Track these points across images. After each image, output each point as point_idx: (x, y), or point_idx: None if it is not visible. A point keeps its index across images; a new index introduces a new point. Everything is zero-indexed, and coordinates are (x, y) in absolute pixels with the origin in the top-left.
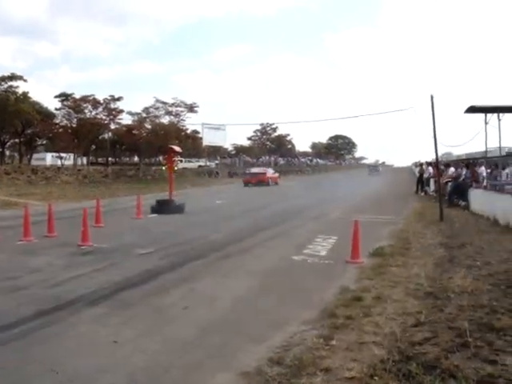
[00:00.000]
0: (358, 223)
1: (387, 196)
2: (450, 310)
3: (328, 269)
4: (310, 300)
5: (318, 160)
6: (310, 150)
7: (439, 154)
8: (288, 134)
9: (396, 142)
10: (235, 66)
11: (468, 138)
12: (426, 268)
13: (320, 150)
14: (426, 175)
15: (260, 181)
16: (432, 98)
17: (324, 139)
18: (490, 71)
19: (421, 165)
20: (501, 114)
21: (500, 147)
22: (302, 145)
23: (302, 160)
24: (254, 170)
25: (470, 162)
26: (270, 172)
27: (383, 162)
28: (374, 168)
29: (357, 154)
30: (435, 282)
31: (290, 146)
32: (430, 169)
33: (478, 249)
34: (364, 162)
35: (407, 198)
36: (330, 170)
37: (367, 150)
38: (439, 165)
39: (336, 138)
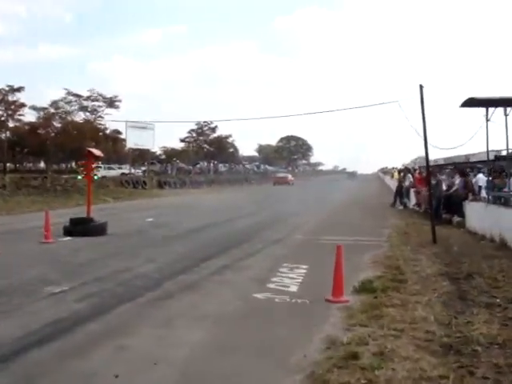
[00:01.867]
0: (341, 249)
1: (360, 210)
2: (484, 372)
3: (304, 311)
4: (289, 359)
5: (267, 166)
6: (256, 154)
7: (411, 158)
8: (230, 136)
9: (359, 145)
10: (165, 53)
11: (460, 138)
12: (432, 309)
13: (268, 155)
14: (406, 184)
15: (285, 182)
16: (421, 88)
17: (273, 141)
18: (483, 64)
19: (400, 172)
20: (508, 108)
21: (507, 149)
22: (247, 148)
23: (248, 166)
24: (280, 174)
25: (463, 169)
26: (289, 176)
27: (344, 169)
28: (352, 174)
29: (312, 159)
30: (451, 329)
31: (232, 150)
32: (410, 177)
33: (492, 280)
34: (321, 168)
35: (384, 212)
36: None
37: (324, 155)
38: (420, 172)
39: (288, 139)
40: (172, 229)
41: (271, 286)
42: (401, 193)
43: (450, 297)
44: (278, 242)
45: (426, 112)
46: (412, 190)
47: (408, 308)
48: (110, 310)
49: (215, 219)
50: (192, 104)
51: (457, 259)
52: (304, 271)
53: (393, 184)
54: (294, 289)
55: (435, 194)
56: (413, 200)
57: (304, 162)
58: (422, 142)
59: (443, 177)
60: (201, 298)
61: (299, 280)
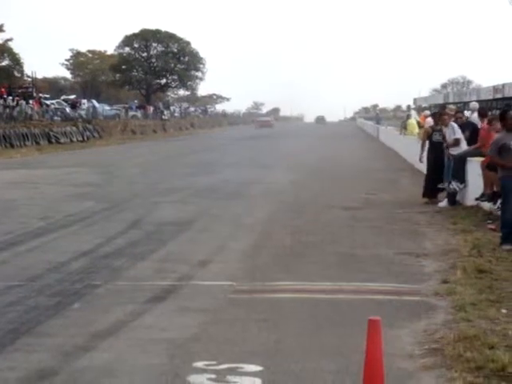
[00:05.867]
0: (380, 341)
1: (353, 210)
2: None
3: None
4: None
5: (96, 103)
6: (67, 74)
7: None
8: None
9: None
10: None
11: None
12: None
13: (96, 76)
14: (459, 147)
15: (268, 125)
16: None
17: (110, 47)
18: None
19: (439, 115)
20: None
21: None
22: (47, 60)
23: (51, 104)
24: (263, 118)
25: None
26: (271, 120)
27: (272, 112)
28: (322, 120)
29: (203, 88)
30: None
31: (8, 64)
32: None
33: None
34: (222, 109)
35: (408, 214)
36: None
37: (229, 85)
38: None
39: (143, 39)
40: None
41: None
42: (438, 167)
43: None
44: (162, 300)
45: None
46: (477, 163)
47: None
48: None
49: None
50: None
51: None
52: None
53: (404, 147)
54: None
55: None
56: (474, 183)
57: (183, 93)
58: None
59: None
60: None
61: None
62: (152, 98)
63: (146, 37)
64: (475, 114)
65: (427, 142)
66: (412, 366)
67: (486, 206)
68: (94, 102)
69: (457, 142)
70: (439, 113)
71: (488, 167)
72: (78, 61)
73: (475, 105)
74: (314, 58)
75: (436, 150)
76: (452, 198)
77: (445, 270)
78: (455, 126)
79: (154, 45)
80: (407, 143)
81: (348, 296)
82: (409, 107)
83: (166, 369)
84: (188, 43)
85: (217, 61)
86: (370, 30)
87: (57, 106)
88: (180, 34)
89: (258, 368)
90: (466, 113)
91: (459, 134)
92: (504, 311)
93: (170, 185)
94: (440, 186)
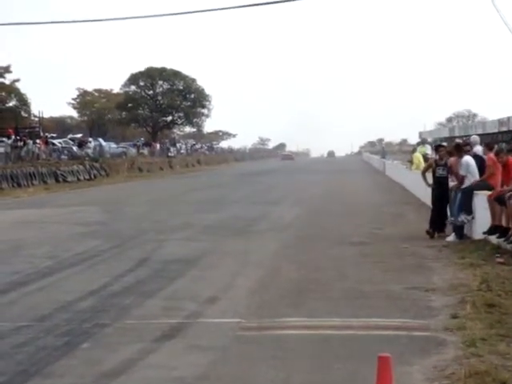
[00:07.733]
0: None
1: (358, 246)
2: None
3: None
4: None
5: (102, 141)
6: (73, 113)
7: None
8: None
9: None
10: None
11: None
12: None
13: (102, 115)
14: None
15: (290, 159)
16: None
17: (116, 85)
18: None
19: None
20: None
21: None
22: (55, 100)
23: (57, 143)
24: (285, 152)
25: None
26: (292, 154)
27: (278, 147)
28: (332, 154)
29: (208, 125)
30: None
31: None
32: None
33: None
34: (227, 144)
35: (414, 248)
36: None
37: (233, 120)
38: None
39: (148, 77)
40: None
41: None
42: (443, 198)
43: None
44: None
45: None
46: (484, 197)
47: None
48: None
49: None
50: None
51: None
52: None
53: (410, 181)
54: None
55: None
56: (481, 217)
57: (189, 130)
58: None
59: None
60: None
61: None
62: (158, 136)
63: (151, 75)
64: (477, 147)
65: (430, 176)
66: None
67: (494, 239)
68: (101, 140)
69: (462, 179)
70: (435, 147)
71: (497, 200)
72: (84, 100)
73: (476, 138)
74: (320, 94)
75: (440, 184)
76: (460, 232)
77: (454, 304)
78: (469, 161)
79: (160, 82)
80: (413, 177)
81: (357, 332)
82: (424, 140)
83: None
84: (193, 80)
85: (222, 97)
86: (375, 65)
87: (64, 145)
88: (185, 71)
89: None
90: None
91: (466, 171)
92: None
93: (177, 222)
94: (448, 220)
